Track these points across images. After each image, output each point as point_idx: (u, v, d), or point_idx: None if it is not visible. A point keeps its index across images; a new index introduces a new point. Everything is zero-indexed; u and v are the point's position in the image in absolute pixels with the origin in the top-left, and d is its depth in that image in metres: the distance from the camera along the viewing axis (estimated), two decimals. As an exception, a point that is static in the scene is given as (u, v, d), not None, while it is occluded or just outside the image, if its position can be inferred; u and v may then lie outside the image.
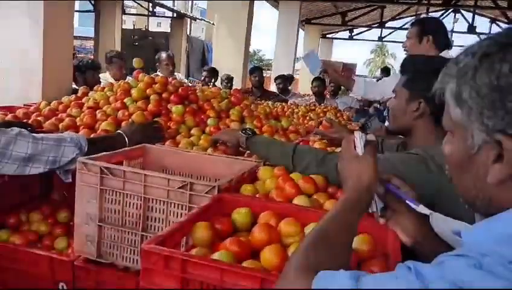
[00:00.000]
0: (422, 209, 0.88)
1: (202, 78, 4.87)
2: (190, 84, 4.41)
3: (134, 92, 2.05)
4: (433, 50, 2.32)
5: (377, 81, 7.56)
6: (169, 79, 2.27)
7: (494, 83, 0.55)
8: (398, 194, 0.90)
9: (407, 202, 0.89)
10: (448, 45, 2.40)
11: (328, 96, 5.28)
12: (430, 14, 11.27)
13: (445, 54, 2.35)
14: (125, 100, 2.00)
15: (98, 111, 1.94)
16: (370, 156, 0.85)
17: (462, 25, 11.20)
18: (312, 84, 5.30)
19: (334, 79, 2.67)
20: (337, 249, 0.69)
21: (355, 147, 0.89)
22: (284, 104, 3.89)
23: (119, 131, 1.62)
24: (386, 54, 47.23)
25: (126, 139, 1.58)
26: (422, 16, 11.60)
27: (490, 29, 11.74)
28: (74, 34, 3.36)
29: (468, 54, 0.59)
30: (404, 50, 2.48)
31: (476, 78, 0.57)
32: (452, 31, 11.71)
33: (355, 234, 0.78)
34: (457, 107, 0.60)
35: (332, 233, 0.70)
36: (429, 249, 0.83)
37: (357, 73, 13.82)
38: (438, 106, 1.22)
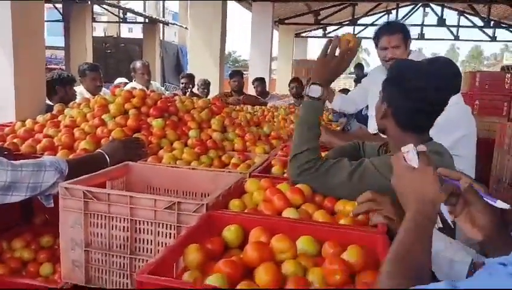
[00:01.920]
0: (500, 204, 0.88)
1: (181, 85, 4.81)
2: (168, 92, 4.37)
3: (112, 107, 2.01)
4: (408, 52, 2.35)
5: (354, 81, 7.61)
6: (148, 91, 2.24)
7: None
8: (455, 183, 0.89)
9: (484, 198, 0.89)
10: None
11: (306, 96, 5.31)
12: (400, 9, 11.51)
13: (415, 54, 2.37)
14: (103, 116, 1.96)
15: (75, 129, 1.89)
16: (427, 166, 0.84)
17: (432, 18, 11.48)
18: (289, 85, 5.33)
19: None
20: (420, 267, 0.71)
21: (405, 160, 0.87)
22: (264, 107, 3.89)
23: (99, 150, 1.59)
24: (360, 50, 47.83)
25: (107, 158, 1.55)
26: (392, 11, 11.84)
27: (459, 21, 12.06)
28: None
29: None
30: (390, 62, 2.28)
31: None
32: (423, 25, 11.99)
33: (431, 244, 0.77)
34: None
35: (413, 254, 0.72)
36: (501, 243, 0.84)
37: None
38: (398, 110, 1.27)
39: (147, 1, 13.70)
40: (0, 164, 1.24)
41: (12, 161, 1.29)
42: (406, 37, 2.31)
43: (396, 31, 2.32)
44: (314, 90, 1.38)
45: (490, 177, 4.27)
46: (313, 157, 1.34)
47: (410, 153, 0.86)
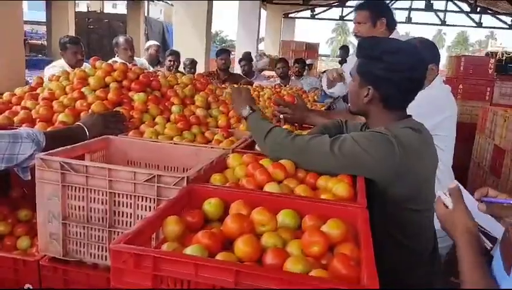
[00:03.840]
0: None
1: (167, 62, 4.70)
2: (152, 69, 4.29)
3: (92, 80, 1.95)
4: (386, 32, 2.34)
5: (339, 62, 7.57)
6: (129, 65, 2.19)
7: None
8: (501, 202, 0.98)
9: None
10: (395, 24, 2.40)
11: (293, 77, 5.29)
12: (388, -8, 11.43)
13: (395, 34, 2.38)
14: (82, 89, 1.90)
15: (54, 102, 1.84)
16: (458, 204, 0.97)
17: (420, 3, 11.48)
18: (276, 65, 5.29)
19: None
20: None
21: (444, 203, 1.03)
22: (249, 86, 3.85)
23: (78, 123, 1.55)
24: (347, 33, 47.84)
25: (86, 131, 1.51)
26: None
27: (446, 6, 12.09)
28: (24, 19, 3.17)
29: None
30: (357, 36, 2.36)
31: None
32: (410, 9, 11.99)
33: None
34: None
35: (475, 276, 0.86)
36: None
37: (319, 52, 13.93)
38: (387, 92, 1.27)
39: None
40: (-27, 134, 1.20)
41: (-14, 132, 1.25)
42: (375, 15, 2.31)
43: (363, 7, 2.35)
44: (244, 112, 1.52)
45: (470, 161, 4.36)
46: (285, 131, 1.35)
47: (443, 197, 1.02)
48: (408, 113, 1.36)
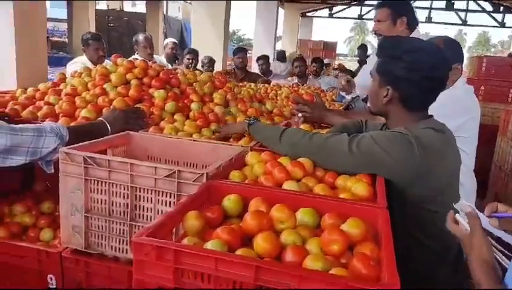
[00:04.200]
0: None
1: (186, 60, 4.74)
2: (171, 67, 4.34)
3: (113, 77, 1.99)
4: (407, 31, 2.31)
5: (358, 62, 7.52)
6: (150, 63, 2.21)
7: None
8: (510, 216, 0.97)
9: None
10: (417, 23, 2.37)
11: (310, 76, 5.27)
12: (409, -10, 11.25)
13: (416, 33, 2.34)
14: (104, 86, 1.94)
15: (77, 98, 1.88)
16: (476, 231, 0.96)
17: (441, 2, 11.27)
18: (293, 64, 5.27)
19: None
20: None
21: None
22: (267, 85, 3.85)
23: (100, 118, 1.58)
24: (366, 32, 47.35)
25: (108, 126, 1.54)
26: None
27: (467, 6, 11.84)
28: (46, 17, 3.23)
29: None
30: (376, 35, 2.34)
31: None
32: (431, 8, 11.79)
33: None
34: None
35: None
36: None
37: (337, 52, 13.83)
38: (407, 92, 1.26)
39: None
40: (0, 127, 1.24)
41: (12, 125, 1.28)
42: (396, 13, 2.28)
43: (383, 5, 2.32)
44: (245, 124, 1.57)
45: (492, 163, 4.27)
46: (300, 131, 1.36)
47: (462, 222, 1.01)
48: (431, 114, 1.34)
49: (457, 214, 1.03)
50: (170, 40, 5.20)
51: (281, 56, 7.29)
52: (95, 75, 2.05)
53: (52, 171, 1.36)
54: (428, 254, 1.30)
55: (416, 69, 1.23)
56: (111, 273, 1.25)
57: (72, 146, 1.24)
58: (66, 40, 12.78)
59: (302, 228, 0.93)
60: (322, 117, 1.94)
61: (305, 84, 4.52)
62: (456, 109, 1.75)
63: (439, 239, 1.33)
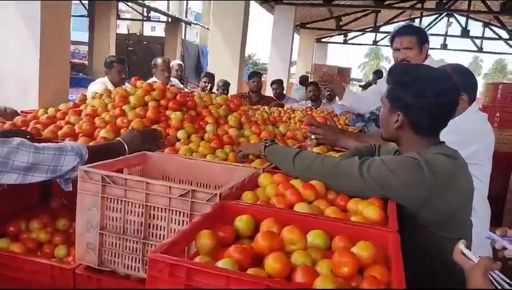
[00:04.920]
0: None
1: (202, 83, 4.85)
2: (187, 90, 4.44)
3: (132, 99, 2.05)
4: (424, 58, 2.34)
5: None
6: (168, 86, 2.28)
7: None
8: None
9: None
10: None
11: (324, 100, 5.31)
12: (423, 18, 11.39)
13: (429, 59, 2.36)
14: (123, 107, 2.00)
15: (96, 118, 1.94)
16: (472, 271, 0.93)
17: (456, 29, 11.32)
18: (307, 89, 5.33)
19: (328, 79, 2.66)
20: None
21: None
22: (280, 109, 3.90)
23: (118, 138, 1.63)
24: (381, 58, 47.59)
25: (126, 146, 1.58)
26: (416, 20, 11.71)
27: (483, 33, 11.86)
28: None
29: None
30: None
31: None
32: (446, 35, 11.83)
33: None
34: None
35: None
36: None
37: (351, 77, 13.90)
38: (416, 118, 1.27)
39: (170, 0, 13.88)
40: (23, 145, 1.29)
41: (35, 144, 1.33)
42: (421, 41, 2.31)
43: (410, 32, 2.33)
44: (261, 146, 1.60)
45: (508, 191, 4.19)
46: (313, 153, 1.37)
47: (468, 254, 0.98)
48: (445, 141, 1.35)
49: (467, 251, 1.00)
50: (176, 62, 5.36)
51: (303, 80, 7.42)
52: (114, 97, 2.12)
53: (71, 189, 1.40)
54: (443, 284, 1.28)
55: (423, 96, 1.25)
56: (122, 290, 1.26)
57: (90, 165, 1.28)
58: (86, 62, 13.20)
59: (312, 250, 0.94)
60: (336, 140, 1.96)
61: (318, 108, 4.55)
62: (469, 136, 1.75)
63: (453, 268, 1.32)
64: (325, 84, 2.68)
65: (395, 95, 1.33)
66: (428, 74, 1.30)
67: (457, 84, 1.34)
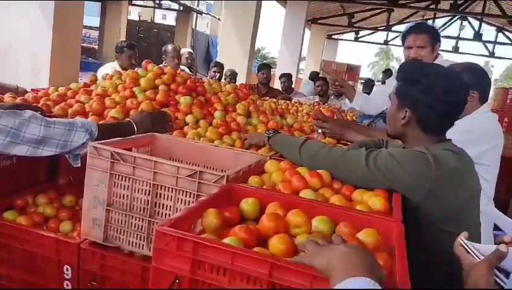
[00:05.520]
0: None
1: (212, 72, 4.86)
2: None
3: (142, 81, 2.06)
4: (435, 57, 2.34)
5: (382, 83, 7.54)
6: (178, 70, 2.29)
7: None
8: None
9: None
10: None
11: (332, 96, 5.30)
12: (436, 19, 11.29)
13: (440, 58, 2.36)
14: (133, 89, 2.01)
15: (106, 98, 1.95)
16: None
17: (469, 32, 11.22)
18: (315, 83, 5.32)
19: (340, 83, 2.65)
20: None
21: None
22: (288, 102, 3.90)
23: (128, 119, 1.64)
24: (391, 58, 47.25)
25: (135, 127, 1.59)
26: (429, 21, 11.61)
27: (496, 38, 11.75)
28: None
29: None
30: None
31: None
32: (458, 38, 11.73)
33: None
34: None
35: None
36: None
37: (360, 75, 13.84)
38: (424, 114, 1.28)
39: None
40: (35, 118, 1.30)
41: (46, 118, 1.35)
42: (434, 39, 2.30)
43: (423, 31, 2.32)
44: (266, 134, 1.62)
45: (512, 196, 4.17)
46: (320, 143, 1.38)
47: (472, 252, 0.95)
48: (454, 139, 1.35)
49: (467, 242, 0.98)
50: (186, 50, 5.38)
51: (313, 76, 7.43)
52: (125, 79, 2.13)
53: (79, 165, 1.41)
54: (444, 277, 1.29)
55: (432, 92, 1.26)
56: (125, 267, 1.28)
57: (100, 142, 1.29)
58: (97, 47, 13.23)
59: (317, 234, 0.95)
60: (342, 134, 1.96)
61: (326, 104, 4.54)
62: (479, 135, 1.75)
63: (457, 265, 1.32)
64: (336, 89, 2.69)
65: (403, 91, 1.33)
66: (437, 72, 1.30)
67: (466, 83, 1.34)
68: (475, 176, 1.35)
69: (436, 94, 1.26)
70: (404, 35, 2.40)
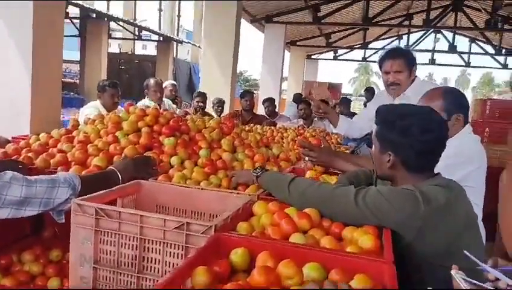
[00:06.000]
0: None
1: (195, 103, 4.87)
2: (179, 110, 4.45)
3: (125, 125, 2.05)
4: (412, 80, 2.39)
5: (364, 104, 7.66)
6: (161, 110, 2.29)
7: None
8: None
9: None
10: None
11: (315, 118, 5.34)
12: (411, 34, 11.61)
13: (417, 80, 2.40)
14: (116, 134, 2.00)
15: (89, 145, 1.93)
16: None
17: (443, 44, 11.55)
18: (298, 107, 5.37)
19: (324, 110, 2.66)
20: None
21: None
22: (273, 128, 3.92)
23: (111, 167, 1.62)
24: (370, 72, 48.23)
25: (119, 175, 1.57)
26: (403, 36, 11.93)
27: (470, 48, 12.12)
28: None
29: None
30: (394, 86, 2.38)
31: None
32: (434, 50, 12.07)
33: None
34: None
35: None
36: None
37: (342, 91, 14.05)
38: (406, 156, 1.29)
39: (162, 18, 13.97)
40: (15, 179, 1.27)
41: (27, 177, 1.32)
42: (410, 63, 2.35)
43: (399, 55, 2.37)
44: (254, 173, 1.60)
45: (498, 206, 4.21)
46: (308, 180, 1.38)
47: (460, 284, 0.95)
48: (442, 164, 1.36)
49: (454, 272, 0.98)
50: (169, 82, 5.45)
51: (296, 98, 7.51)
52: (107, 123, 2.12)
53: (63, 221, 1.38)
54: None
55: (409, 134, 1.28)
56: (117, 325, 1.24)
57: (84, 197, 1.27)
58: (78, 81, 13.19)
59: (309, 283, 0.94)
60: (330, 162, 1.97)
61: (310, 127, 4.58)
62: (461, 159, 1.77)
63: None
64: (320, 115, 2.71)
65: (383, 135, 1.36)
66: (412, 112, 1.34)
67: (442, 120, 1.37)
68: (467, 202, 1.35)
69: (413, 135, 1.28)
70: (381, 61, 2.44)
